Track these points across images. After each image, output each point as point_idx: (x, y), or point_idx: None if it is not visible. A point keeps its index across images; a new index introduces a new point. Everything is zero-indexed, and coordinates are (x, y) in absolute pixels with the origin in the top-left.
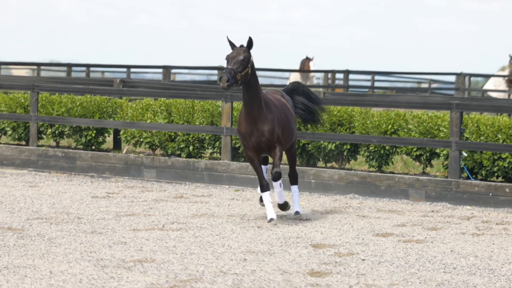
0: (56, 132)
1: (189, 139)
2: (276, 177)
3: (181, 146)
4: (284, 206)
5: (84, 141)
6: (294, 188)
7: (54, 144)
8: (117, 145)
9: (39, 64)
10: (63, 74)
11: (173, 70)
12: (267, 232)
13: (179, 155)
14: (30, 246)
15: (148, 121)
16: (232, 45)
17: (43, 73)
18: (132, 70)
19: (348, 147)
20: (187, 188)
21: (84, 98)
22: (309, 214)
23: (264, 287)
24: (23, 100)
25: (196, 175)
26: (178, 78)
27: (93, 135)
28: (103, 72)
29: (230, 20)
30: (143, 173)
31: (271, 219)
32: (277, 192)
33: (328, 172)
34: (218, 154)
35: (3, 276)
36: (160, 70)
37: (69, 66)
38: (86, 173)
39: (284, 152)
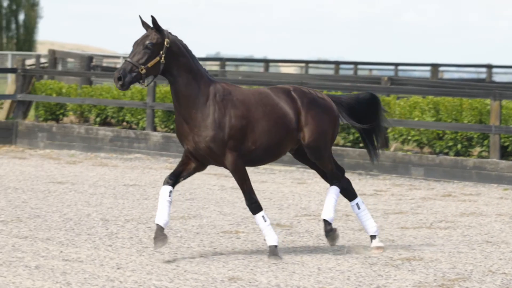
0: None
1: (457, 137)
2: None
3: (449, 144)
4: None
5: (352, 138)
6: (354, 202)
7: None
8: None
9: (307, 62)
10: (331, 72)
11: (441, 68)
12: None
13: (447, 154)
14: (298, 242)
15: (416, 119)
16: (145, 27)
17: (311, 71)
18: (400, 68)
19: None
20: (455, 187)
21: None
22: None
23: None
24: None
25: (464, 174)
26: (446, 76)
27: None
28: (370, 69)
29: (495, 16)
30: (411, 171)
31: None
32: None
33: None
34: (486, 153)
35: (272, 272)
36: (428, 68)
37: (337, 63)
38: (353, 170)
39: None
